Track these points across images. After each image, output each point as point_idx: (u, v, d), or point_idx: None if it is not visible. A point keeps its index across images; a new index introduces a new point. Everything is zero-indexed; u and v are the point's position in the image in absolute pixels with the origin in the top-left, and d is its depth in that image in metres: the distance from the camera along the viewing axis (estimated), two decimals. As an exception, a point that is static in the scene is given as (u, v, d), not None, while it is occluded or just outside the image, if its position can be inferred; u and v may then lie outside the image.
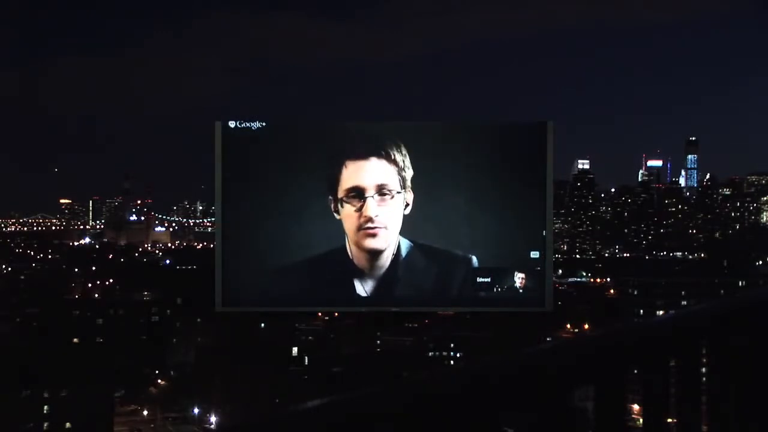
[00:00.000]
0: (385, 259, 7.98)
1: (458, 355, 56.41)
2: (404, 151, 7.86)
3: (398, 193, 7.84)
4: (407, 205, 7.88)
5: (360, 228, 7.87)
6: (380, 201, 7.83)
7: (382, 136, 7.90)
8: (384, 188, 7.83)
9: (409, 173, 7.87)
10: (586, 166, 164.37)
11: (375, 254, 7.96)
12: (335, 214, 7.91)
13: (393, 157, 7.84)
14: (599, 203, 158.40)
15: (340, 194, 7.86)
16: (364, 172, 7.84)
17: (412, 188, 7.87)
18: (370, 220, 7.83)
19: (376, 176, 7.84)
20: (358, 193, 7.82)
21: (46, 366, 43.89)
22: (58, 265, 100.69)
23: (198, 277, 67.66)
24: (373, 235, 7.87)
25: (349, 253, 7.98)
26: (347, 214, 7.88)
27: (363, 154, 7.85)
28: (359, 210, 7.83)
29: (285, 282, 8.11)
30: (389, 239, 7.92)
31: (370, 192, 7.81)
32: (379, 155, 7.84)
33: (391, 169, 7.85)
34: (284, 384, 46.42)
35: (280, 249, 8.10)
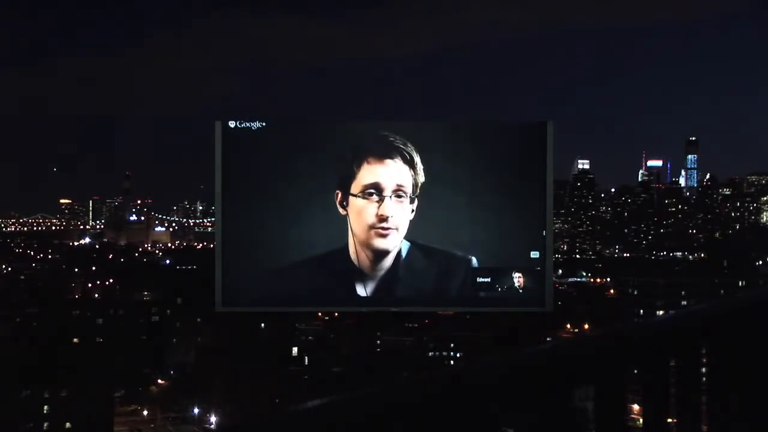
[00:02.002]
0: (388, 260, 7.98)
1: (458, 355, 56.42)
2: (420, 157, 7.86)
3: (411, 196, 7.84)
4: (412, 210, 7.89)
5: (372, 226, 7.85)
6: (396, 201, 7.83)
7: (402, 138, 7.89)
8: (401, 189, 7.83)
9: (421, 178, 7.87)
10: (586, 166, 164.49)
11: (381, 254, 7.95)
12: (340, 209, 7.89)
13: (413, 161, 7.84)
14: (599, 203, 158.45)
15: (355, 190, 7.83)
16: (385, 169, 7.83)
17: (419, 194, 7.88)
18: (385, 219, 7.81)
19: (396, 177, 7.83)
20: (376, 191, 7.80)
21: (46, 366, 43.88)
22: (58, 265, 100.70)
23: (198, 277, 67.69)
24: (385, 236, 7.86)
25: (351, 253, 7.96)
26: (359, 211, 7.85)
27: (384, 153, 7.83)
28: (375, 208, 7.81)
29: (285, 282, 8.10)
30: (397, 241, 7.92)
31: (388, 192, 7.81)
32: (402, 156, 7.84)
33: (409, 173, 7.85)
34: (284, 384, 46.42)
35: (280, 249, 8.09)
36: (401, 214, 7.87)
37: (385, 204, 7.81)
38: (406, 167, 7.86)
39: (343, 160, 7.91)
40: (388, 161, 7.85)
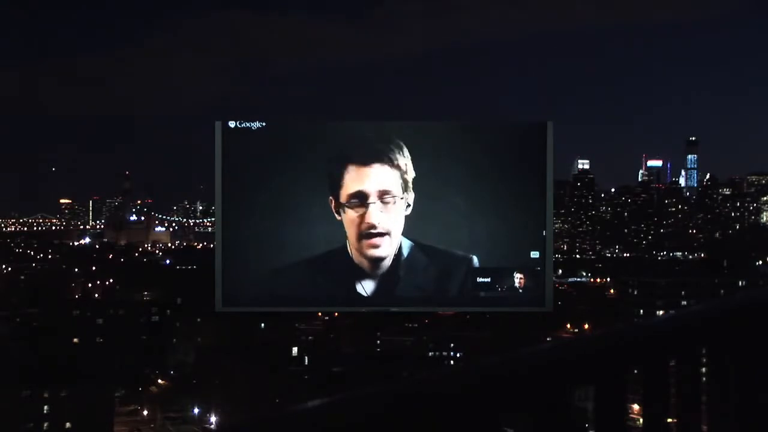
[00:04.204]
0: (387, 262, 7.96)
1: (458, 355, 56.48)
2: (406, 153, 7.81)
3: (400, 198, 7.79)
4: (408, 205, 7.85)
5: (361, 235, 7.82)
6: (383, 207, 7.77)
7: (386, 139, 7.86)
8: (386, 195, 7.76)
9: (411, 175, 7.83)
10: (586, 166, 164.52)
11: (376, 260, 7.94)
12: (336, 215, 7.89)
13: (396, 162, 7.79)
14: (599, 203, 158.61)
15: (342, 198, 7.81)
16: (366, 177, 7.77)
17: (413, 188, 7.84)
18: (372, 227, 7.78)
19: (379, 182, 7.78)
20: (360, 199, 7.76)
21: (46, 366, 43.90)
22: (58, 265, 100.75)
23: (198, 277, 67.67)
24: (376, 244, 7.83)
25: (350, 254, 7.96)
26: (349, 219, 7.84)
27: (366, 159, 7.78)
28: (361, 216, 7.77)
29: (285, 282, 8.10)
30: (392, 245, 7.88)
31: (373, 198, 7.76)
32: (381, 160, 7.77)
33: (394, 174, 7.79)
34: (284, 384, 46.42)
35: (280, 249, 8.09)
36: (390, 219, 7.81)
37: (370, 212, 7.76)
38: (389, 169, 7.80)
39: (331, 164, 7.91)
40: (367, 169, 7.79)
